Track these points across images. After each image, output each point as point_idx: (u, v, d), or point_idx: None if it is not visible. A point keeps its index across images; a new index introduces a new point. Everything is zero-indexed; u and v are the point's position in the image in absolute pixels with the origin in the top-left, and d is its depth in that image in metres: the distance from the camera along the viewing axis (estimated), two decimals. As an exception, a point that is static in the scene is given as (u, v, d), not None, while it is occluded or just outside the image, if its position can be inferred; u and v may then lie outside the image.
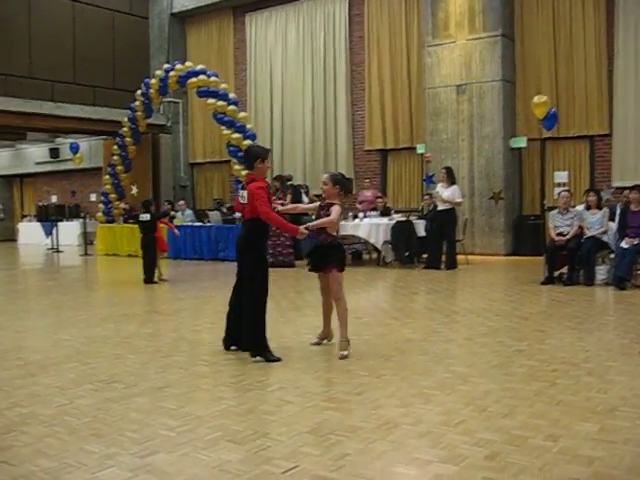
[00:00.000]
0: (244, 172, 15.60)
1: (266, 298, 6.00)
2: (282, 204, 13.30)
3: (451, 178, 12.99)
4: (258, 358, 5.82)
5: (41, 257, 19.18)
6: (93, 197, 24.98)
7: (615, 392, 4.73)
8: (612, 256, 10.30)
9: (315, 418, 4.30)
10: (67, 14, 19.81)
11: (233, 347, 6.20)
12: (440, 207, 12.92)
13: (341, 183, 6.22)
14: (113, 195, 19.48)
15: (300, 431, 4.05)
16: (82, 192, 26.14)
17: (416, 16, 16.89)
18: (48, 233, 22.13)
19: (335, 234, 6.15)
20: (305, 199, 15.70)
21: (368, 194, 15.58)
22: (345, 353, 5.91)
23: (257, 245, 6.04)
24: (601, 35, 14.57)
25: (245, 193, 6.00)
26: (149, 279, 11.60)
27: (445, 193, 12.82)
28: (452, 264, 12.75)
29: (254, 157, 6.09)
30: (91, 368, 5.75)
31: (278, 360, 5.77)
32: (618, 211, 10.98)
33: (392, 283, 11.64)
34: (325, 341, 6.43)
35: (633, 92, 14.14)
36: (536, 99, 13.12)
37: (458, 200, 12.95)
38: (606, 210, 10.71)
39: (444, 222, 12.76)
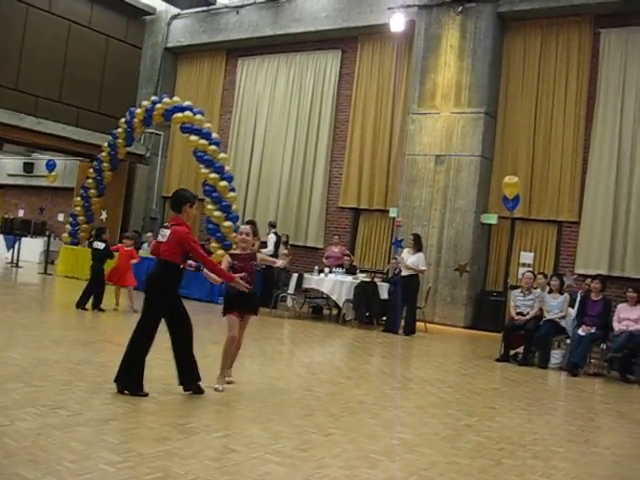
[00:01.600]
0: (216, 213, 15.69)
1: (150, 343, 6.07)
2: (259, 250, 13.42)
3: (418, 245, 13.14)
4: (126, 392, 5.87)
5: (-1, 270, 18.86)
6: (61, 217, 24.73)
7: (558, 478, 4.76)
8: (568, 341, 10.43)
9: (258, 470, 4.26)
10: (62, 33, 19.89)
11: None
12: (404, 272, 13.02)
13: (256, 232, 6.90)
14: (82, 217, 19.31)
15: (242, 481, 4.00)
16: (51, 210, 25.86)
17: (404, 83, 17.24)
18: (10, 247, 21.80)
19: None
20: (282, 249, 15.78)
21: (336, 250, 15.65)
22: (219, 387, 6.34)
23: (163, 287, 6.03)
24: (580, 126, 14.97)
25: (167, 232, 6.09)
26: (82, 305, 11.51)
27: (410, 259, 12.94)
28: (411, 330, 12.79)
29: (184, 201, 6.18)
30: (37, 391, 5.63)
31: (146, 395, 5.87)
32: (578, 298, 11.18)
33: (349, 342, 11.63)
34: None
35: (604, 184, 14.48)
36: (507, 179, 13.39)
37: (422, 268, 13.09)
38: (567, 296, 10.88)
39: (407, 287, 12.86)
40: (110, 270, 12.08)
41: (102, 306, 11.58)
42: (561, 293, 10.82)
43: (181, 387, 6.12)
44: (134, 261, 12.19)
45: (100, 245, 12.02)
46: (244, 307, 6.46)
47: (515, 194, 13.26)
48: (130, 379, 5.90)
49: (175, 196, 6.28)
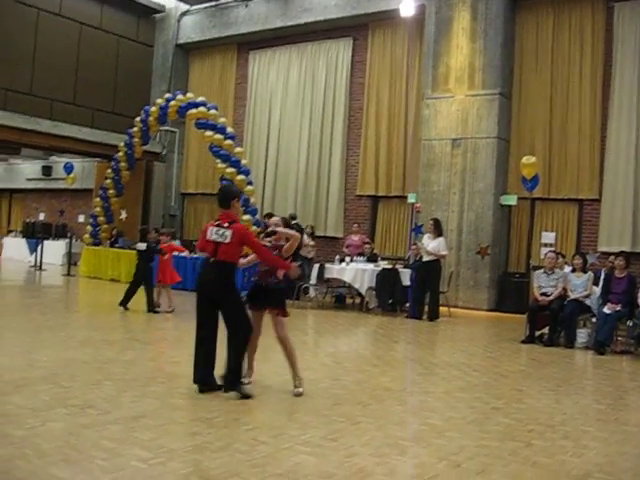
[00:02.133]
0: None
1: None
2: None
3: (438, 230, 13.07)
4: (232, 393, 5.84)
5: (23, 274, 19.04)
6: (81, 218, 24.88)
7: (589, 457, 4.73)
8: (594, 320, 10.35)
9: (288, 461, 4.27)
10: (74, 36, 19.97)
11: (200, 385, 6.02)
12: (425, 258, 12.98)
13: (290, 226, 6.60)
14: (102, 218, 19.44)
15: (272, 473, 4.02)
16: (71, 212, 26.05)
17: (417, 68, 17.15)
18: (32, 250, 22.01)
19: (282, 277, 6.22)
20: (307, 240, 15.71)
21: (356, 238, 15.62)
22: (300, 390, 6.08)
23: (235, 286, 6.10)
24: (596, 102, 14.82)
25: (228, 232, 5.90)
26: (127, 306, 11.50)
27: (431, 245, 12.88)
28: (434, 315, 12.76)
29: (232, 196, 6.12)
30: (66, 392, 5.69)
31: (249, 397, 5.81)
32: (602, 276, 11.09)
33: (373, 330, 11.63)
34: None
35: (624, 159, 14.33)
36: (524, 160, 13.27)
37: (443, 253, 13.02)
38: (591, 274, 10.80)
39: (428, 273, 12.81)
40: (162, 271, 12.01)
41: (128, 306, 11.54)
42: (584, 272, 10.74)
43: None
44: (184, 253, 12.45)
45: (142, 246, 11.95)
46: (261, 302, 6.24)
47: (533, 174, 13.16)
48: (237, 379, 5.93)
49: (223, 192, 6.20)
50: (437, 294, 13.00)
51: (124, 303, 11.46)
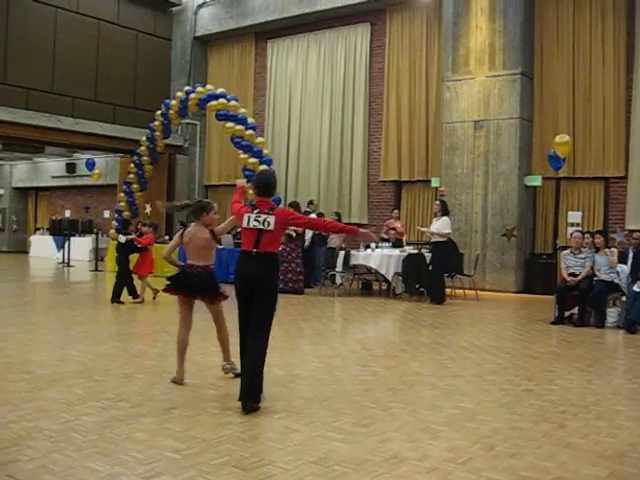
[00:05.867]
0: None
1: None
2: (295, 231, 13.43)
3: (444, 210, 12.91)
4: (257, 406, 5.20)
5: (51, 271, 19.26)
6: (107, 214, 25.12)
7: (624, 437, 4.69)
8: (624, 299, 10.24)
9: (321, 448, 4.28)
10: (92, 32, 20.06)
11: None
12: (433, 239, 12.85)
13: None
14: (127, 213, 19.55)
15: (306, 460, 4.03)
16: (96, 208, 26.29)
17: (437, 51, 17.02)
18: (60, 247, 22.26)
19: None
20: None
21: (398, 225, 15.51)
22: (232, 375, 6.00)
23: (276, 282, 5.53)
24: (620, 78, 14.61)
25: (271, 219, 5.32)
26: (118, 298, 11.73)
27: (434, 225, 12.74)
28: (439, 298, 12.57)
29: (276, 184, 5.75)
30: (98, 385, 5.75)
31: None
32: (630, 254, 10.95)
33: (401, 315, 11.61)
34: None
35: (650, 136, 14.15)
36: (558, 138, 13.08)
37: (445, 232, 12.71)
38: (613, 250, 10.68)
39: (435, 254, 12.71)
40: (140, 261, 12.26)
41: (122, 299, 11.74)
42: (608, 248, 10.62)
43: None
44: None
45: (122, 238, 12.16)
46: (187, 288, 5.96)
47: (567, 153, 12.95)
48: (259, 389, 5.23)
49: (269, 180, 5.64)
50: (442, 276, 12.83)
51: (115, 298, 11.71)
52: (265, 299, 5.26)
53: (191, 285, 5.92)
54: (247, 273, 5.32)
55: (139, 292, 11.95)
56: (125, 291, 11.78)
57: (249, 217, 5.38)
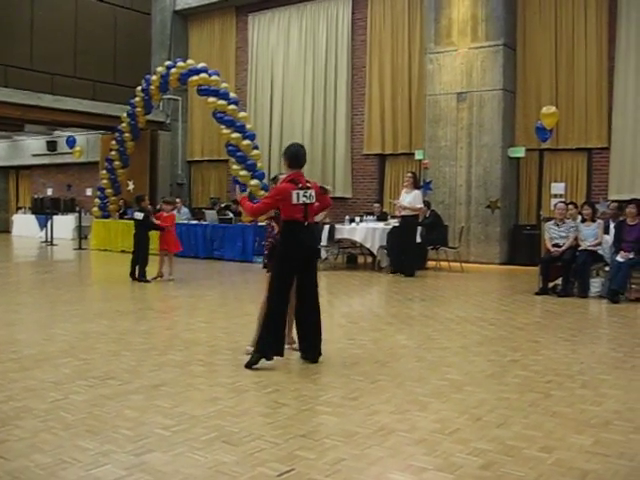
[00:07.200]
0: (242, 172, 15.70)
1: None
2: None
3: (415, 183, 12.91)
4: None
5: (35, 250, 19.13)
6: (89, 191, 24.94)
7: (609, 405, 4.75)
8: (607, 269, 10.33)
9: (310, 422, 4.31)
10: (70, 8, 19.74)
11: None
12: (402, 213, 12.75)
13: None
14: (109, 190, 19.45)
15: (295, 434, 4.05)
16: (78, 186, 26.09)
17: (419, 22, 16.92)
18: (42, 226, 22.10)
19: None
20: None
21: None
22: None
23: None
24: (602, 49, 14.61)
25: (312, 192, 5.74)
26: (136, 275, 11.51)
27: (407, 199, 12.72)
28: (410, 272, 12.56)
29: (305, 154, 5.89)
30: (86, 364, 5.74)
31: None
32: (612, 225, 11.03)
33: (386, 288, 11.65)
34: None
35: (632, 107, 14.18)
36: (545, 110, 13.09)
37: (418, 206, 12.77)
38: (600, 222, 10.75)
39: (405, 228, 12.69)
40: (164, 240, 11.91)
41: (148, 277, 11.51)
42: (594, 221, 10.69)
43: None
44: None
45: (139, 215, 11.68)
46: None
47: (555, 124, 12.95)
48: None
49: (301, 151, 5.86)
50: (413, 250, 12.87)
51: (133, 274, 11.52)
52: (316, 265, 6.05)
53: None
54: (308, 243, 5.81)
55: (170, 269, 11.74)
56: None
57: (297, 194, 5.66)
